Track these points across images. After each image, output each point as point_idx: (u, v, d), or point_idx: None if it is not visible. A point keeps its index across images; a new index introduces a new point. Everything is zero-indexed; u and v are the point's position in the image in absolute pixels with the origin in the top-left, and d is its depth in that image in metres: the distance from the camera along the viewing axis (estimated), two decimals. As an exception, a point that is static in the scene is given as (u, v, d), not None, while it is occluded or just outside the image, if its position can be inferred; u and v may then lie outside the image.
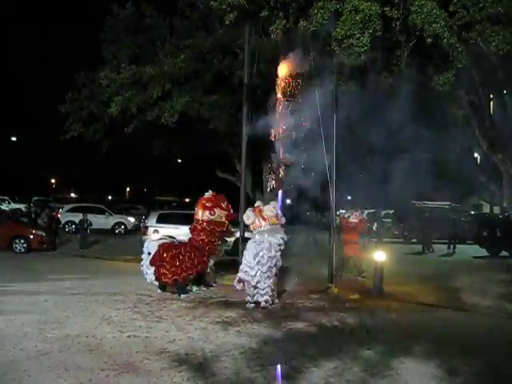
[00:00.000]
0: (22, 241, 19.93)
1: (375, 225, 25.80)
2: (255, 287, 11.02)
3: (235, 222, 14.02)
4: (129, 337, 8.28)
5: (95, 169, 54.08)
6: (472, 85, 14.97)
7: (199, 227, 12.70)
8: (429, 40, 10.31)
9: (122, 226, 31.66)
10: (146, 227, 20.69)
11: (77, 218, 26.27)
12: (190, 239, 12.84)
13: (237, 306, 10.98)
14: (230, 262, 14.88)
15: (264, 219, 11.43)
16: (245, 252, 11.51)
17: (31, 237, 20.20)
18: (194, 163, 31.07)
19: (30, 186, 52.31)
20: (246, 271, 11.14)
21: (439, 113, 17.35)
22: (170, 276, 12.09)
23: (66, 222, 29.52)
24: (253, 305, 11.02)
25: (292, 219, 13.55)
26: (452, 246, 24.62)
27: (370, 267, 14.22)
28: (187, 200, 49.21)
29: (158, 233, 14.97)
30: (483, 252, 24.03)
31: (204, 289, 12.79)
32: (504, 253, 23.24)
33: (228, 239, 13.73)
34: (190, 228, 13.05)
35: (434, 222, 26.35)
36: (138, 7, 21.69)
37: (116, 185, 68.71)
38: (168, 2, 22.34)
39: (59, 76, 36.67)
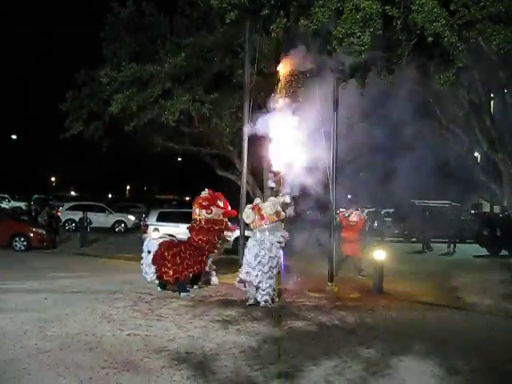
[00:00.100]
0: (22, 239, 19.94)
1: (375, 224, 25.86)
2: (257, 288, 11.02)
3: (235, 220, 14.02)
4: (129, 335, 8.28)
5: (95, 167, 54.14)
6: (472, 84, 14.99)
7: (197, 226, 12.71)
8: (429, 39, 10.29)
9: (122, 225, 31.71)
10: (146, 225, 20.70)
11: (77, 216, 26.31)
12: (188, 238, 12.85)
13: (237, 305, 10.99)
14: (231, 261, 14.89)
15: (264, 217, 11.42)
16: (245, 251, 11.51)
17: (31, 235, 20.20)
18: (194, 162, 31.07)
19: (30, 185, 52.36)
20: (247, 272, 11.12)
21: (440, 112, 17.36)
22: (171, 274, 12.08)
23: (66, 220, 29.57)
24: (252, 301, 11.03)
25: (293, 218, 13.53)
26: (452, 245, 24.61)
27: (369, 266, 14.22)
28: (187, 198, 49.27)
29: (159, 231, 14.97)
30: (483, 251, 24.04)
31: (198, 288, 12.76)
32: (504, 252, 23.25)
33: (229, 238, 13.70)
34: (188, 227, 13.07)
35: (434, 221, 26.35)
36: (138, 5, 21.67)
37: (116, 183, 68.82)
38: (168, 1, 22.34)
39: (59, 75, 36.62)
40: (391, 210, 33.38)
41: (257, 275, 10.98)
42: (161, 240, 12.88)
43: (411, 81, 14.12)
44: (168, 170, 53.94)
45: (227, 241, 13.67)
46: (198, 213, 12.70)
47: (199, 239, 12.54)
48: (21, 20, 73.99)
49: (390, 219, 32.26)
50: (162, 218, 20.74)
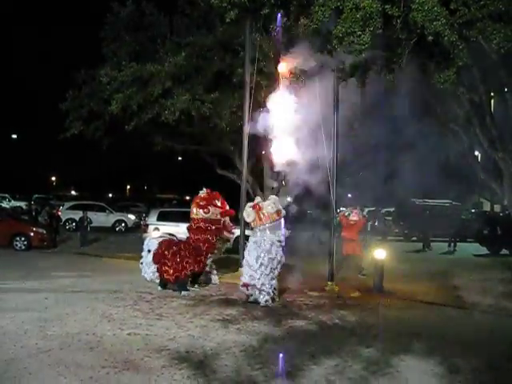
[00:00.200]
0: (23, 238, 19.93)
1: (376, 222, 25.84)
2: (260, 290, 11.00)
3: (235, 219, 14.03)
4: (129, 334, 8.28)
5: (95, 167, 54.16)
6: (473, 83, 14.96)
7: (194, 226, 12.77)
8: (430, 38, 10.28)
9: (123, 224, 31.71)
10: (147, 225, 20.71)
11: (77, 215, 26.27)
12: (188, 238, 12.89)
13: (237, 304, 10.99)
14: (231, 260, 14.89)
15: (264, 216, 11.41)
16: (245, 254, 11.46)
17: (32, 234, 20.19)
18: (195, 161, 31.06)
19: (30, 184, 52.36)
20: (250, 275, 11.07)
21: (440, 111, 17.34)
22: (171, 273, 12.14)
23: (67, 220, 29.56)
24: (252, 298, 11.02)
25: (295, 217, 13.56)
26: (453, 244, 24.61)
27: (370, 265, 14.22)
28: (187, 198, 49.26)
29: (159, 230, 14.98)
30: (484, 250, 24.05)
31: (199, 287, 12.76)
32: (504, 251, 23.27)
33: (231, 237, 13.73)
34: (187, 227, 13.12)
35: (435, 220, 26.34)
36: (138, 5, 21.67)
37: (116, 182, 68.82)
38: (168, 0, 22.33)
39: (59, 74, 36.76)
40: (392, 209, 33.38)
41: (259, 277, 10.97)
42: (161, 239, 12.90)
43: (411, 80, 14.09)
44: (168, 170, 53.95)
45: (228, 241, 13.68)
46: (196, 212, 12.75)
47: (197, 238, 12.58)
48: (21, 20, 74.08)
49: (390, 218, 32.27)
50: (163, 217, 20.75)
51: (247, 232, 13.60)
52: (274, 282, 11.16)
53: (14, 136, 57.28)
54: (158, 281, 12.55)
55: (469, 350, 7.98)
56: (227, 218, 13.26)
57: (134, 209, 39.98)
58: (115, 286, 12.41)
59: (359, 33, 10.04)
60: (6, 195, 44.60)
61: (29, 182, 54.51)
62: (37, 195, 46.35)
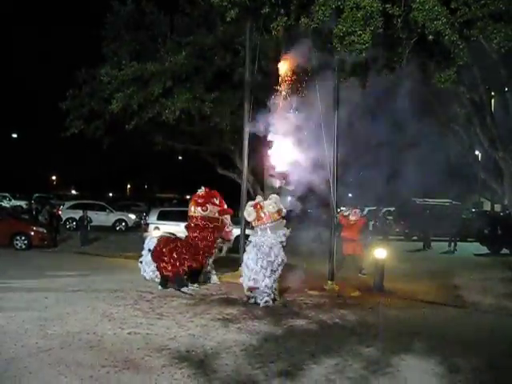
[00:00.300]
0: (23, 237, 19.93)
1: (377, 222, 25.84)
2: (263, 291, 10.99)
3: (235, 218, 14.04)
4: (129, 333, 8.28)
5: (96, 166, 54.18)
6: (473, 82, 14.97)
7: (192, 224, 12.82)
8: (430, 37, 10.30)
9: (123, 223, 31.70)
10: (147, 224, 20.70)
11: (77, 214, 26.24)
12: (186, 236, 12.94)
13: (238, 303, 10.98)
14: (231, 260, 14.89)
15: (265, 215, 11.39)
16: (245, 258, 11.41)
17: (32, 233, 20.18)
18: (195, 160, 31.06)
19: (30, 184, 52.38)
20: (254, 278, 11.03)
21: (440, 110, 17.35)
22: (169, 269, 12.25)
23: (67, 219, 29.54)
24: (252, 300, 11.01)
25: (296, 216, 13.54)
26: (453, 244, 24.61)
27: (370, 265, 14.21)
28: (188, 197, 49.22)
29: (159, 230, 14.99)
30: (484, 250, 24.03)
31: (199, 287, 12.75)
32: (505, 250, 23.25)
33: (228, 238, 13.75)
34: (185, 226, 13.15)
35: (435, 220, 26.33)
36: (138, 4, 21.68)
37: (117, 182, 68.85)
38: (169, -1, 22.35)
39: (60, 74, 36.70)
40: (392, 209, 33.37)
41: (263, 280, 10.95)
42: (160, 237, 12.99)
43: (412, 79, 14.10)
44: (169, 169, 53.97)
45: (228, 240, 13.72)
46: (194, 210, 12.81)
47: (195, 236, 12.64)
48: (21, 20, 74.07)
49: (391, 217, 32.25)
50: (163, 216, 20.73)
51: (248, 231, 13.59)
52: (275, 283, 11.15)
53: (15, 135, 57.29)
54: (158, 280, 12.57)
55: (469, 350, 7.97)
56: (228, 217, 13.29)
57: (135, 208, 39.99)
58: (116, 285, 12.40)
59: (360, 32, 10.06)
60: (7, 194, 44.61)
61: (29, 181, 54.55)
62: (37, 194, 46.33)
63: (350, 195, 25.72)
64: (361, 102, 15.64)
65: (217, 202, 12.94)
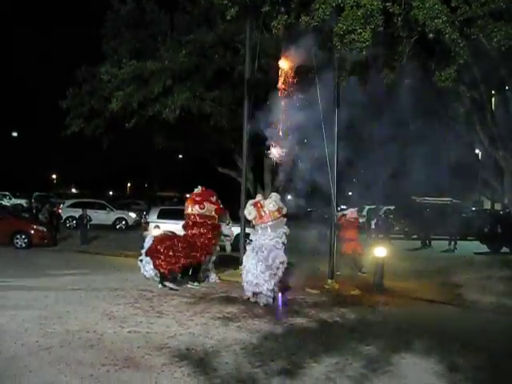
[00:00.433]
0: (23, 236, 19.91)
1: (379, 221, 25.80)
2: (266, 295, 10.98)
3: (235, 217, 14.04)
4: (129, 332, 8.28)
5: (96, 165, 54.16)
6: (474, 81, 14.95)
7: (190, 222, 12.91)
8: (430, 35, 10.29)
9: (123, 222, 31.65)
10: (147, 223, 20.69)
11: (78, 213, 26.19)
12: (184, 234, 13.00)
13: (238, 302, 10.98)
14: (231, 259, 14.89)
15: (265, 214, 11.38)
16: (245, 262, 11.41)
17: (32, 232, 20.18)
18: (195, 159, 31.08)
19: (30, 183, 52.39)
20: (256, 283, 11.01)
21: (441, 109, 17.34)
22: (165, 266, 12.29)
23: (67, 218, 29.50)
24: (253, 299, 11.01)
25: (297, 215, 13.56)
26: (453, 242, 24.58)
27: (370, 263, 14.21)
28: (188, 196, 49.21)
29: (159, 228, 15.00)
30: (484, 248, 24.00)
31: (199, 286, 12.76)
32: (505, 249, 23.23)
33: (230, 235, 13.78)
34: (182, 226, 13.18)
35: (435, 218, 26.30)
36: (138, 2, 21.67)
37: (117, 180, 68.84)
38: (169, -2, 22.34)
39: (59, 74, 36.69)
40: (392, 207, 33.34)
41: (264, 283, 10.94)
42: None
43: (412, 78, 14.09)
44: (169, 168, 53.97)
45: (228, 236, 13.78)
46: (191, 208, 12.90)
47: (193, 234, 12.70)
48: (21, 20, 74.01)
49: (391, 216, 32.20)
50: (163, 215, 20.70)
51: (248, 230, 13.59)
52: (275, 285, 11.13)
53: (15, 134, 57.29)
54: (158, 278, 12.57)
55: (469, 348, 7.98)
56: (227, 215, 13.38)
57: (135, 207, 39.89)
58: (116, 284, 12.41)
59: (360, 30, 10.04)
60: (7, 193, 44.59)
61: (29, 179, 54.55)
62: (37, 193, 46.30)
63: (350, 193, 25.74)
64: (361, 101, 15.64)
65: (213, 201, 13.03)
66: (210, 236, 12.83)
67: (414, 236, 28.51)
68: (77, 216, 26.39)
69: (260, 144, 15.29)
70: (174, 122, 19.41)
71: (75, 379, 6.19)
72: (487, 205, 40.67)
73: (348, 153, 16.82)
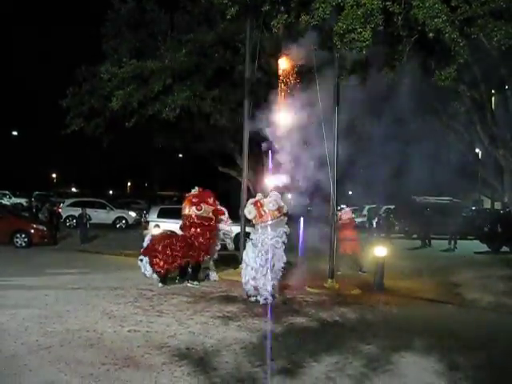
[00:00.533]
0: (23, 235, 19.93)
1: (380, 220, 25.82)
2: (263, 289, 10.99)
3: (235, 216, 14.05)
4: (129, 331, 8.29)
5: (96, 164, 54.18)
6: (474, 80, 14.95)
7: (188, 223, 12.93)
8: (430, 35, 10.26)
9: (123, 221, 31.67)
10: (147, 222, 20.71)
11: (78, 212, 26.17)
12: (183, 235, 13.01)
13: (238, 301, 11.00)
14: (231, 258, 14.89)
15: (265, 213, 11.38)
16: (245, 258, 11.43)
17: (32, 231, 20.20)
18: (195, 158, 31.05)
19: (30, 182, 52.42)
20: (254, 277, 11.05)
21: (441, 108, 17.33)
22: (161, 265, 12.36)
23: (67, 217, 29.52)
24: (253, 298, 11.02)
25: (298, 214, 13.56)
26: (453, 242, 24.58)
27: (370, 263, 14.21)
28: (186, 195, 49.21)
29: (159, 227, 15.01)
30: (484, 247, 24.01)
31: (199, 285, 12.77)
32: (505, 248, 23.24)
33: (228, 231, 13.82)
34: (180, 226, 13.20)
35: (435, 218, 26.30)
36: (138, 2, 21.65)
37: (117, 179, 68.86)
38: (169, -3, 22.32)
39: (59, 73, 36.71)
40: (392, 207, 33.35)
41: (260, 278, 10.94)
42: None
43: (412, 77, 14.08)
44: (169, 167, 54.00)
45: (227, 234, 13.81)
46: (189, 209, 12.92)
47: (191, 234, 12.72)
48: (21, 20, 74.00)
49: (391, 215, 32.21)
50: (163, 214, 20.71)
51: (248, 229, 13.60)
52: (274, 281, 11.13)
53: (15, 133, 57.31)
54: (158, 278, 12.58)
55: (469, 347, 7.98)
56: (226, 214, 13.40)
57: (135, 206, 39.93)
58: (116, 283, 12.42)
59: (360, 30, 10.02)
60: (7, 192, 44.63)
61: (29, 179, 54.60)
62: (37, 192, 46.35)
63: (350, 193, 25.74)
64: (361, 101, 15.63)
65: (210, 202, 13.07)
66: (208, 236, 12.87)
67: (414, 235, 28.52)
68: (77, 215, 26.39)
69: (260, 143, 15.29)
70: (174, 121, 19.40)
71: (75, 378, 6.20)
72: (487, 204, 40.69)
73: (348, 152, 16.81)
